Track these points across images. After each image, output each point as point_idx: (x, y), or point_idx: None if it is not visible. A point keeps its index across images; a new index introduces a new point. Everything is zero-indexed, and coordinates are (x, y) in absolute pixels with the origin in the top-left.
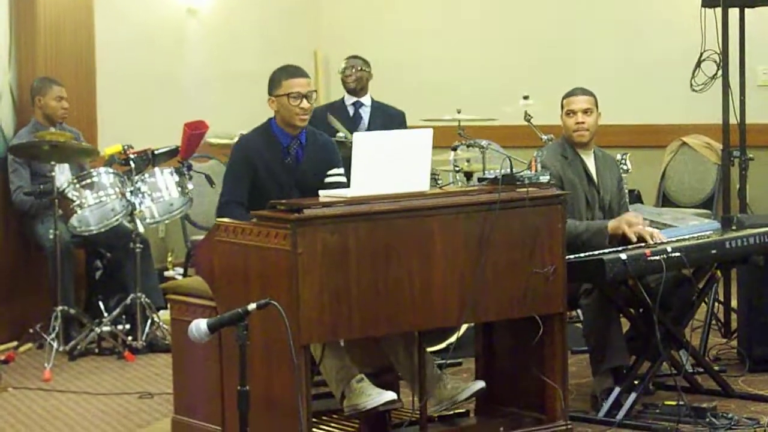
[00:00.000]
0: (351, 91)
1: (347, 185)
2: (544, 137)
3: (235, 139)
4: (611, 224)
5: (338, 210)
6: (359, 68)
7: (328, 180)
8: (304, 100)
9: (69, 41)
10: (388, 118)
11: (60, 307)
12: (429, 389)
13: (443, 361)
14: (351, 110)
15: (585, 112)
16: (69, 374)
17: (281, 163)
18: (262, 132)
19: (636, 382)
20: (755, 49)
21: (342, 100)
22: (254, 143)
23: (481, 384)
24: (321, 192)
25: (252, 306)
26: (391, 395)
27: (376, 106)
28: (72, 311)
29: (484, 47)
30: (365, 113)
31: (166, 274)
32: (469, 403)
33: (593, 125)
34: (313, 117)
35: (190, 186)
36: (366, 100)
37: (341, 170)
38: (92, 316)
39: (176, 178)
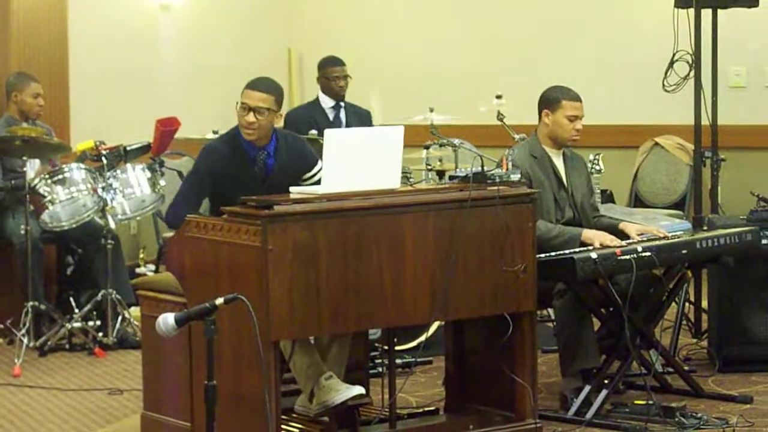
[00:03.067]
0: (338, 97)
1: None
2: (517, 137)
3: (209, 136)
4: (585, 234)
5: (309, 207)
6: (348, 75)
7: (308, 183)
8: (251, 114)
9: (42, 37)
10: (360, 118)
11: (30, 303)
12: (317, 383)
13: (413, 359)
14: (331, 113)
15: (581, 119)
16: (39, 370)
17: (249, 173)
18: (229, 140)
19: (606, 381)
20: (727, 50)
21: (318, 102)
22: (221, 154)
23: (358, 389)
24: (292, 189)
25: (219, 300)
26: (359, 389)
27: (348, 106)
28: (42, 307)
29: (458, 46)
30: (343, 115)
31: (138, 270)
32: (439, 400)
33: None
34: (294, 117)
35: (162, 182)
36: (342, 102)
37: (316, 168)
38: (63, 312)
39: (148, 174)
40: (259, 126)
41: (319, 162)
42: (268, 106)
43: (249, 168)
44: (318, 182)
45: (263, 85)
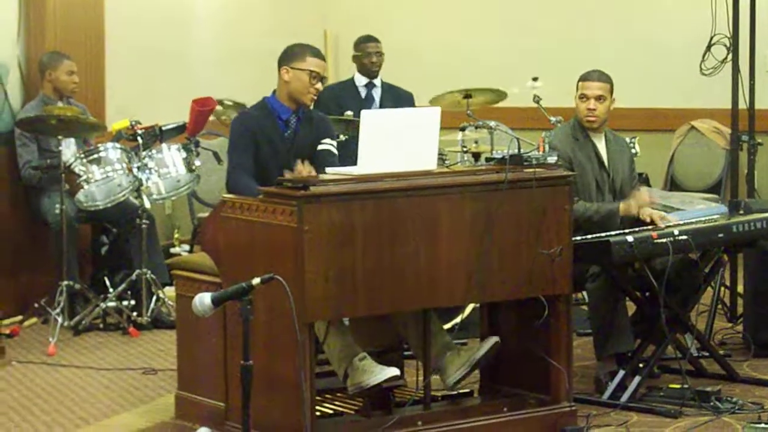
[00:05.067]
0: (371, 74)
1: (336, 155)
2: (553, 119)
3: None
4: (622, 206)
5: (345, 187)
6: (381, 51)
7: (319, 148)
8: (320, 83)
9: (78, 16)
10: (398, 99)
11: (65, 282)
12: (443, 358)
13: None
14: (363, 91)
15: (598, 98)
16: (73, 349)
17: (281, 137)
18: (259, 108)
19: (641, 365)
20: (766, 33)
21: (352, 81)
22: (254, 118)
23: (494, 339)
24: (327, 169)
25: (256, 280)
26: (393, 371)
27: (386, 87)
28: (77, 286)
29: (494, 28)
30: (377, 94)
31: (173, 251)
32: (473, 383)
33: (604, 112)
34: (326, 95)
35: (197, 162)
36: (377, 81)
37: (333, 141)
38: (97, 292)
39: (183, 154)
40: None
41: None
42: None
43: (280, 131)
44: (323, 152)
45: (321, 53)
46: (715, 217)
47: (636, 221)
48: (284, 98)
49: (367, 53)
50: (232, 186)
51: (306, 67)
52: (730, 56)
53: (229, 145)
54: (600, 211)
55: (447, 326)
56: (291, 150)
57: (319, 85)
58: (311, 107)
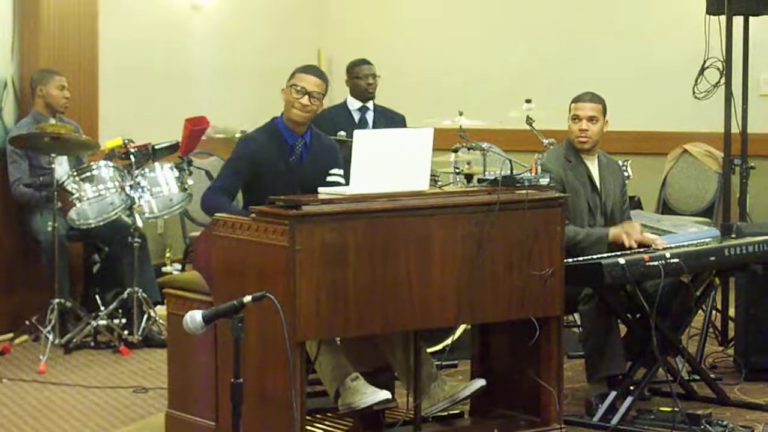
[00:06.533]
0: (366, 97)
1: (345, 186)
2: (546, 141)
3: (237, 135)
4: (612, 232)
5: (337, 207)
6: (375, 74)
7: (328, 179)
8: (306, 97)
9: (72, 34)
10: (391, 121)
11: (56, 300)
12: (426, 388)
13: (439, 363)
14: (357, 115)
15: (590, 119)
16: (64, 367)
17: (285, 162)
18: (267, 131)
19: (631, 387)
20: (759, 57)
21: (345, 104)
22: (259, 142)
23: (481, 382)
24: (320, 189)
25: (247, 298)
26: (385, 394)
27: (379, 110)
28: (68, 304)
29: (488, 50)
30: (370, 118)
31: (164, 269)
32: (464, 404)
33: (596, 133)
34: (319, 119)
35: (189, 182)
36: (370, 104)
37: (341, 171)
38: (89, 310)
39: (176, 173)
40: (311, 110)
41: (341, 168)
42: (321, 92)
43: (286, 157)
44: (332, 184)
45: (317, 71)
46: (707, 240)
47: (623, 247)
48: (287, 121)
49: (362, 76)
50: (204, 201)
51: (293, 81)
52: (723, 80)
53: (225, 161)
54: (590, 236)
55: (437, 347)
56: (296, 177)
57: (304, 100)
58: (299, 121)
